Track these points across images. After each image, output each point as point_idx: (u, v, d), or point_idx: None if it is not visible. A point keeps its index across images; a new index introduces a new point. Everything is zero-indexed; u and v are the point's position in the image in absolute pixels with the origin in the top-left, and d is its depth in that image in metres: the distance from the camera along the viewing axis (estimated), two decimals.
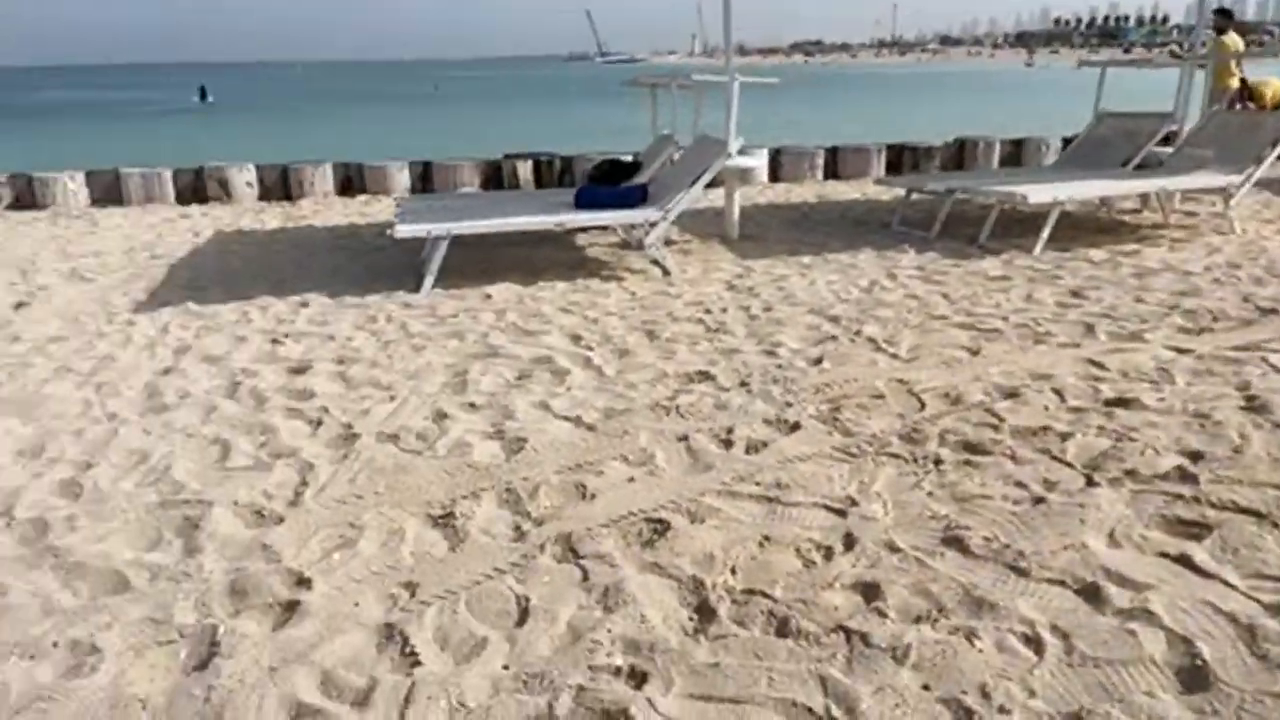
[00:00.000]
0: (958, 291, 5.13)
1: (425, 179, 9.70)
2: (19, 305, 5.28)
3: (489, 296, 5.29)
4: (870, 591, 2.26)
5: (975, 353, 4.06)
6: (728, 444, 3.17)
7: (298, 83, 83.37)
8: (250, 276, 5.91)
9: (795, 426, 3.29)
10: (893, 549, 2.45)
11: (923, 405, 3.46)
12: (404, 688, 1.97)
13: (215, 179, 9.19)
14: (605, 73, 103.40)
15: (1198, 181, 6.64)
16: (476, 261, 6.08)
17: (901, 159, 10.61)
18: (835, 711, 1.86)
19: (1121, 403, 3.41)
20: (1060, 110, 17.44)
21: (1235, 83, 9.05)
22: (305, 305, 5.18)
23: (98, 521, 2.74)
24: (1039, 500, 2.69)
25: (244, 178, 9.26)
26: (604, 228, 7.06)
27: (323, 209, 8.74)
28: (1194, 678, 1.93)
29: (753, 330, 4.50)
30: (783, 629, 2.13)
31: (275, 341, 4.51)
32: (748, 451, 3.11)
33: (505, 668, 2.04)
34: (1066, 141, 10.25)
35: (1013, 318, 4.58)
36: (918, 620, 2.14)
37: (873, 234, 6.90)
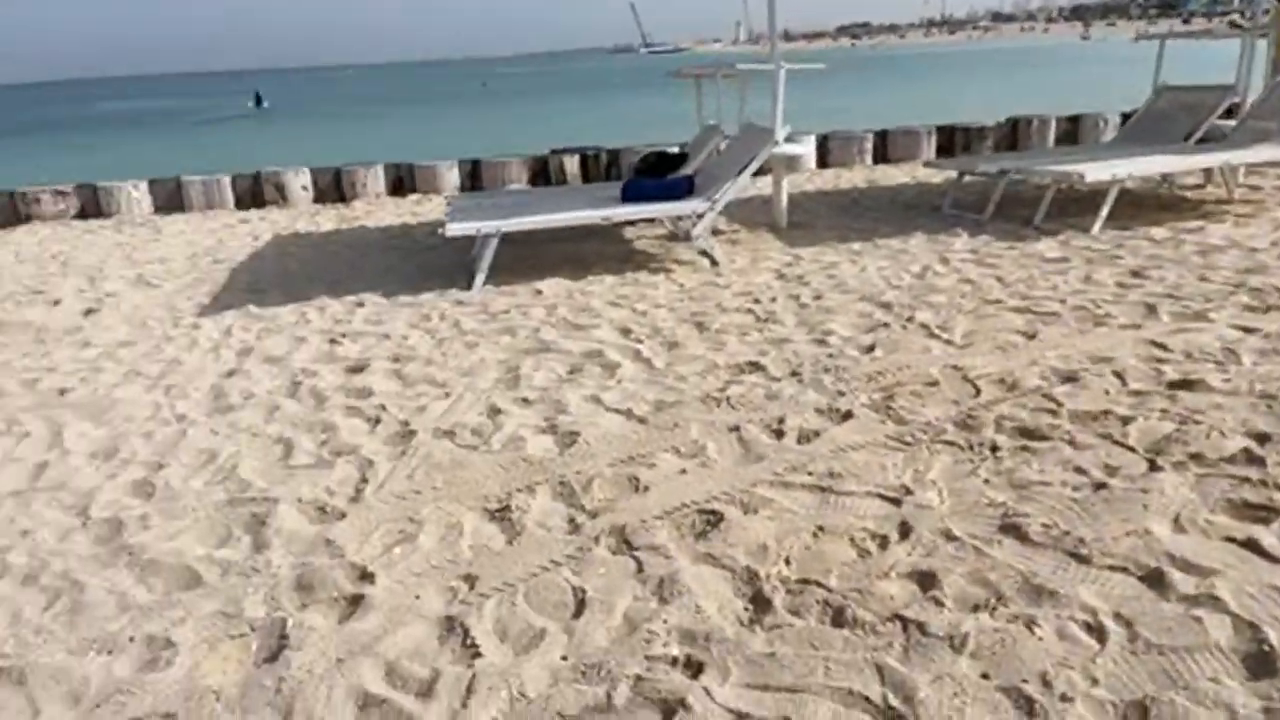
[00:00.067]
0: (1012, 274, 5.04)
1: (474, 177, 9.82)
2: (89, 312, 5.48)
3: (539, 292, 5.35)
4: (926, 580, 2.25)
5: (1031, 337, 3.98)
6: (779, 434, 3.17)
7: (349, 86, 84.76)
8: (307, 278, 6.05)
9: (848, 415, 3.27)
10: (949, 537, 2.43)
11: (978, 391, 3.41)
12: (466, 678, 2.02)
13: (272, 184, 9.41)
14: (650, 64, 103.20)
15: (1262, 155, 6.41)
16: (526, 258, 6.13)
17: (953, 141, 10.43)
18: (893, 700, 1.86)
19: (1185, 385, 3.32)
20: (1118, 85, 16.95)
21: None
22: (361, 305, 5.28)
23: (170, 520, 2.85)
24: (1100, 486, 2.64)
25: (299, 181, 9.47)
26: (651, 220, 7.09)
27: (375, 209, 8.90)
28: (1261, 664, 1.89)
29: (803, 319, 4.48)
30: (838, 618, 2.13)
31: (333, 341, 4.61)
32: (800, 441, 3.10)
33: (564, 658, 2.07)
34: (1125, 117, 9.98)
35: (1070, 300, 4.48)
36: (976, 609, 2.12)
37: (924, 218, 6.80)
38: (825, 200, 7.93)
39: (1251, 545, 2.29)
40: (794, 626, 2.12)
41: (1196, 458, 2.77)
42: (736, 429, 3.23)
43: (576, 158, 9.83)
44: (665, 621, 2.17)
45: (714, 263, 5.76)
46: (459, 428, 3.42)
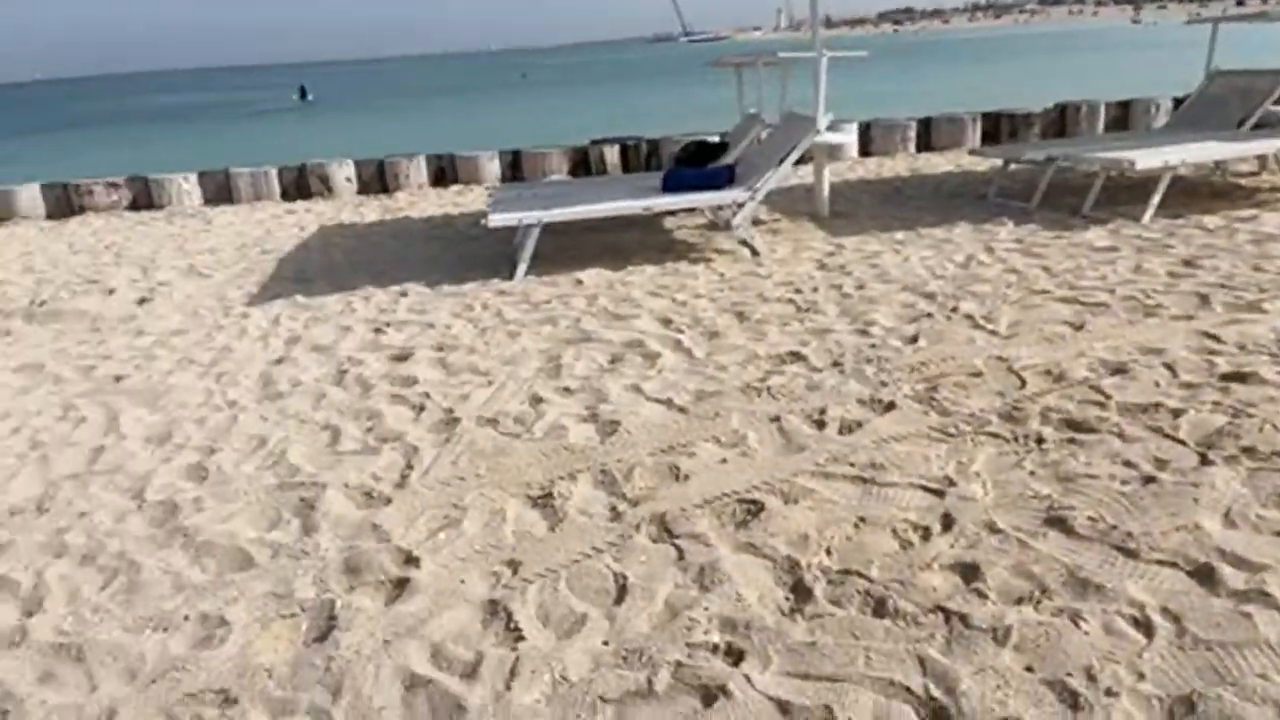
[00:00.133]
0: (1060, 264, 4.95)
1: (515, 167, 9.87)
2: (142, 301, 5.62)
3: (580, 282, 5.37)
4: (969, 572, 2.23)
5: (1079, 328, 3.92)
6: (821, 425, 3.16)
7: (392, 78, 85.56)
8: (353, 268, 6.14)
9: (890, 406, 3.25)
10: (993, 529, 2.41)
11: (1023, 383, 3.37)
12: (509, 661, 2.06)
13: (317, 175, 9.55)
14: (690, 52, 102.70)
15: None
16: (567, 248, 6.17)
17: (999, 128, 10.26)
18: (934, 691, 1.86)
19: (1238, 377, 3.25)
20: (1170, 69, 16.53)
21: None
22: (405, 295, 5.35)
23: (222, 503, 2.92)
24: (1149, 479, 2.60)
25: (343, 173, 9.60)
26: (692, 210, 7.07)
27: (418, 200, 8.99)
28: None
29: (845, 309, 4.45)
30: (880, 609, 2.13)
31: (378, 330, 4.68)
32: (841, 432, 3.09)
33: (605, 643, 2.10)
34: (1177, 103, 9.73)
35: (1120, 290, 4.40)
36: (1019, 601, 2.11)
37: (968, 207, 6.71)
38: (868, 189, 7.85)
39: None
40: (835, 616, 2.12)
41: (1249, 451, 2.71)
42: (777, 419, 3.23)
43: (617, 148, 9.84)
44: (706, 609, 2.18)
45: (755, 252, 5.74)
46: (502, 416, 3.46)
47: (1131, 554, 2.26)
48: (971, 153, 8.15)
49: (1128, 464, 2.70)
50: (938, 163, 9.16)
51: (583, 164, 9.85)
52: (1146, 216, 5.81)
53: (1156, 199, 5.88)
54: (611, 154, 9.83)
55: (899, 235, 5.95)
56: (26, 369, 4.46)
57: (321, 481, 3.01)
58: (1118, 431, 2.91)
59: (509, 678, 2.00)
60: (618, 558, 2.44)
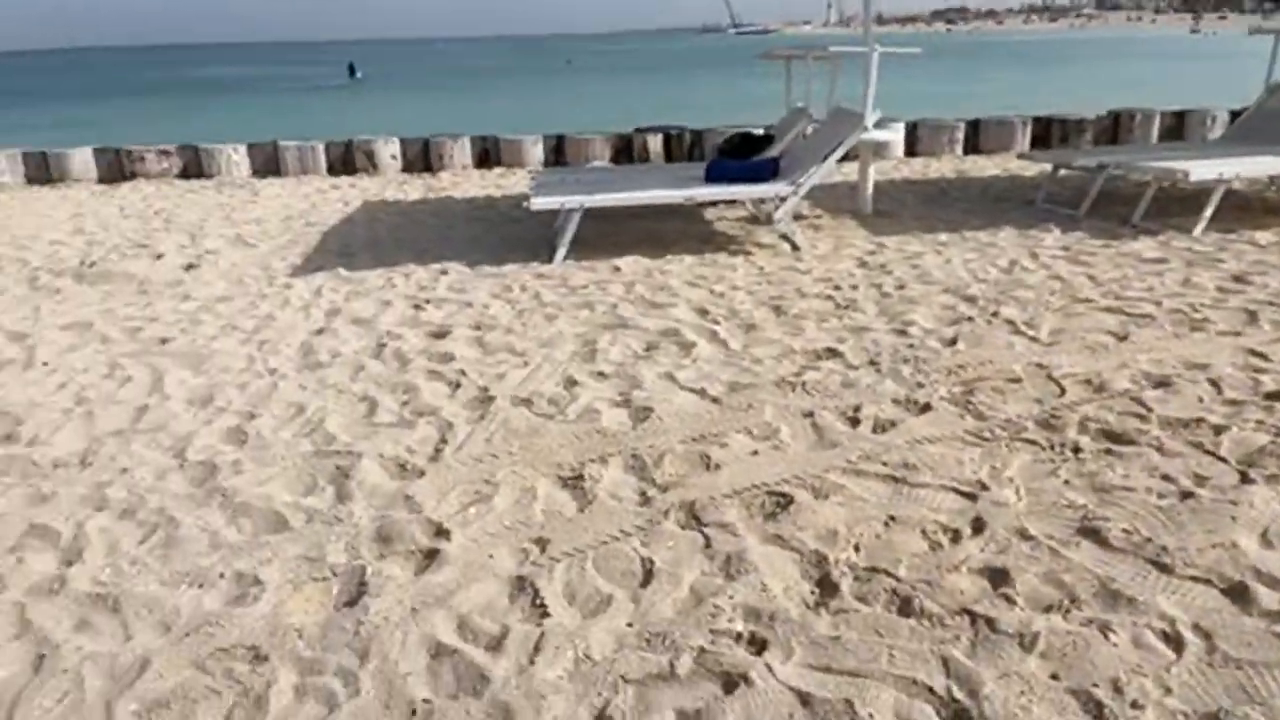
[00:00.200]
0: (1106, 273, 4.87)
1: (558, 152, 9.89)
2: (189, 267, 5.72)
3: (618, 269, 5.38)
4: (998, 577, 2.22)
5: (1123, 339, 3.86)
6: (854, 422, 3.15)
7: (439, 59, 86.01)
8: (395, 244, 6.20)
9: (926, 408, 3.23)
10: (1024, 536, 2.39)
11: (1063, 391, 3.33)
12: (534, 636, 2.08)
13: (363, 152, 9.64)
14: (738, 44, 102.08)
15: None
16: (606, 234, 6.18)
17: (1049, 132, 10.10)
18: (957, 693, 1.85)
19: None
20: (1228, 81, 16.14)
21: None
22: (445, 273, 5.40)
23: (260, 466, 2.98)
24: (1187, 495, 2.56)
25: (389, 151, 9.68)
26: (733, 202, 7.06)
27: (461, 181, 9.05)
28: None
29: (884, 308, 4.42)
30: (905, 608, 2.13)
31: (418, 307, 4.73)
32: (875, 431, 3.08)
33: (629, 625, 2.11)
34: (1234, 115, 9.51)
35: (1167, 303, 4.32)
36: (1048, 609, 2.09)
37: (1015, 211, 6.62)
38: (912, 189, 7.78)
39: None
40: (860, 612, 2.12)
41: None
42: (811, 415, 3.22)
43: (660, 137, 9.83)
44: (731, 597, 2.19)
45: (795, 247, 5.72)
46: (536, 396, 3.48)
47: (1165, 569, 2.23)
48: (1020, 156, 8.04)
49: (1166, 478, 2.66)
50: (985, 165, 9.04)
51: (625, 152, 9.85)
52: (1198, 229, 5.70)
53: (1209, 212, 5.77)
54: (655, 143, 9.82)
55: (942, 237, 5.89)
56: (75, 327, 4.56)
57: (357, 451, 3.05)
58: (1157, 445, 2.87)
59: (533, 652, 2.03)
60: (645, 542, 2.46)
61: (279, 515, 2.67)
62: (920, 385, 3.44)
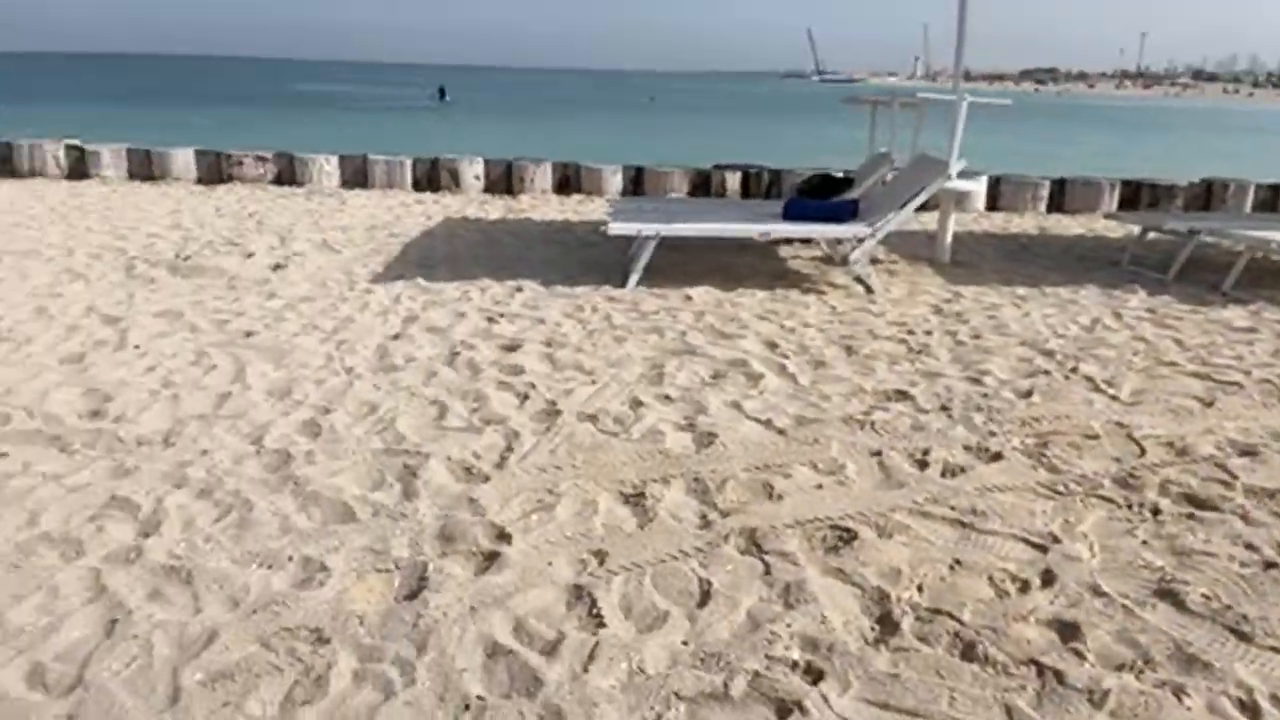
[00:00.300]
0: (1193, 339, 4.73)
1: (636, 183, 10.02)
2: (277, 267, 5.92)
3: (689, 298, 5.41)
4: (1068, 631, 2.15)
5: (1209, 404, 3.73)
6: (923, 465, 3.10)
7: (526, 88, 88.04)
8: (473, 260, 6.34)
9: (997, 456, 3.17)
10: (1097, 592, 2.32)
11: (1143, 451, 3.23)
12: (589, 645, 2.08)
13: (447, 170, 9.90)
14: (821, 91, 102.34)
15: None
16: (679, 264, 6.21)
17: (1138, 195, 9.88)
18: None
19: None
20: None
21: None
22: (520, 290, 5.49)
23: (332, 459, 3.06)
24: (1271, 565, 2.46)
25: (472, 170, 9.92)
26: (808, 241, 7.05)
27: (540, 204, 9.22)
28: None
29: (958, 356, 4.36)
30: (969, 653, 2.07)
31: (491, 320, 4.82)
32: (944, 475, 3.03)
33: (684, 643, 2.10)
34: None
35: (1256, 372, 4.17)
36: (1120, 668, 2.02)
37: (1098, 271, 6.48)
38: (992, 242, 7.67)
39: None
40: (921, 652, 2.08)
41: None
42: (878, 454, 3.18)
43: (739, 174, 9.88)
44: (789, 625, 2.17)
45: (869, 290, 5.68)
46: (602, 413, 3.51)
47: (1245, 637, 2.14)
48: (1107, 216, 7.89)
49: (1249, 547, 2.56)
50: (1068, 224, 8.88)
51: (703, 187, 9.93)
52: None
53: None
54: (733, 180, 9.87)
55: (1021, 290, 5.79)
56: (167, 315, 4.75)
57: (425, 452, 3.11)
58: (1241, 513, 2.76)
59: (587, 660, 2.03)
60: (704, 564, 2.45)
61: (347, 506, 2.73)
62: (992, 434, 3.37)
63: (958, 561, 2.46)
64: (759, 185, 9.87)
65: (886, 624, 2.19)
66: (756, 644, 2.10)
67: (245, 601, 2.25)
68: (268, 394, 3.66)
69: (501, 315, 4.92)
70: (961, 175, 5.91)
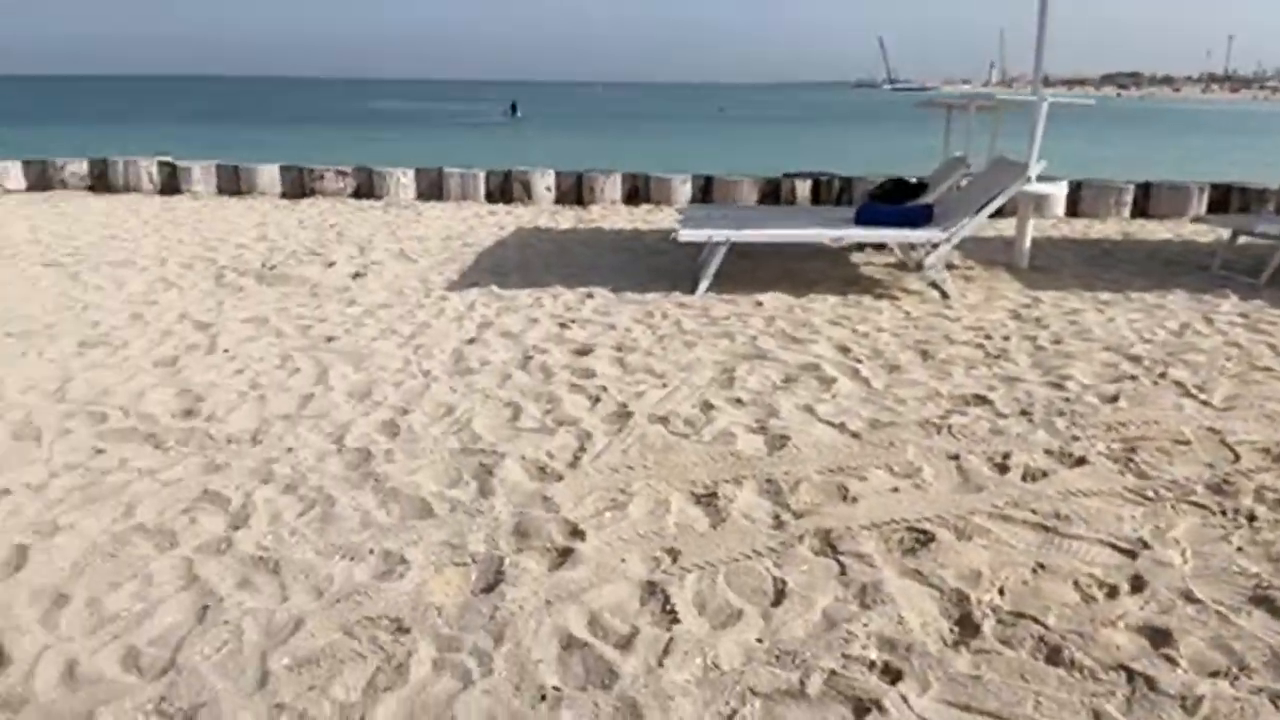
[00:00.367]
0: None
1: (705, 192, 10.01)
2: (356, 275, 6.10)
3: (760, 304, 5.39)
4: (1159, 637, 2.08)
5: None
6: (1002, 469, 3.03)
7: (596, 102, 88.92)
8: (544, 268, 6.42)
9: (1081, 461, 3.08)
10: (1189, 599, 2.23)
11: (1237, 457, 3.10)
12: (663, 640, 2.09)
13: (519, 182, 10.05)
14: (893, 99, 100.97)
15: None
16: (749, 271, 6.19)
17: (1228, 199, 9.49)
18: None
19: None
20: None
21: None
22: (591, 297, 5.54)
23: (410, 458, 3.13)
24: None
25: (544, 182, 10.06)
26: (880, 247, 6.96)
27: (610, 214, 9.29)
28: None
29: (1038, 360, 4.24)
30: (1054, 657, 2.02)
31: (563, 325, 4.88)
32: (1025, 479, 2.95)
33: (759, 640, 2.09)
34: None
35: None
36: (1214, 675, 1.94)
37: (1186, 276, 6.24)
38: (1072, 248, 7.45)
39: None
40: (1003, 655, 2.03)
41: None
42: (956, 457, 3.12)
43: (809, 182, 9.80)
44: (865, 625, 2.14)
45: (944, 295, 5.57)
46: (673, 416, 3.52)
47: None
48: (1195, 220, 7.61)
49: None
50: (1154, 229, 8.57)
51: (773, 195, 9.87)
52: None
53: None
54: (803, 187, 9.80)
55: (1104, 295, 5.61)
56: (253, 321, 4.93)
57: (500, 451, 3.16)
58: None
59: (662, 655, 2.04)
60: (778, 563, 2.43)
61: (425, 503, 2.79)
62: (1076, 439, 3.27)
63: (1041, 565, 2.40)
64: (830, 193, 9.78)
65: (966, 626, 2.14)
66: (832, 643, 2.07)
67: (329, 591, 2.32)
68: (348, 395, 3.77)
69: (573, 321, 4.97)
70: (1041, 178, 5.77)
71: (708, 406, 3.63)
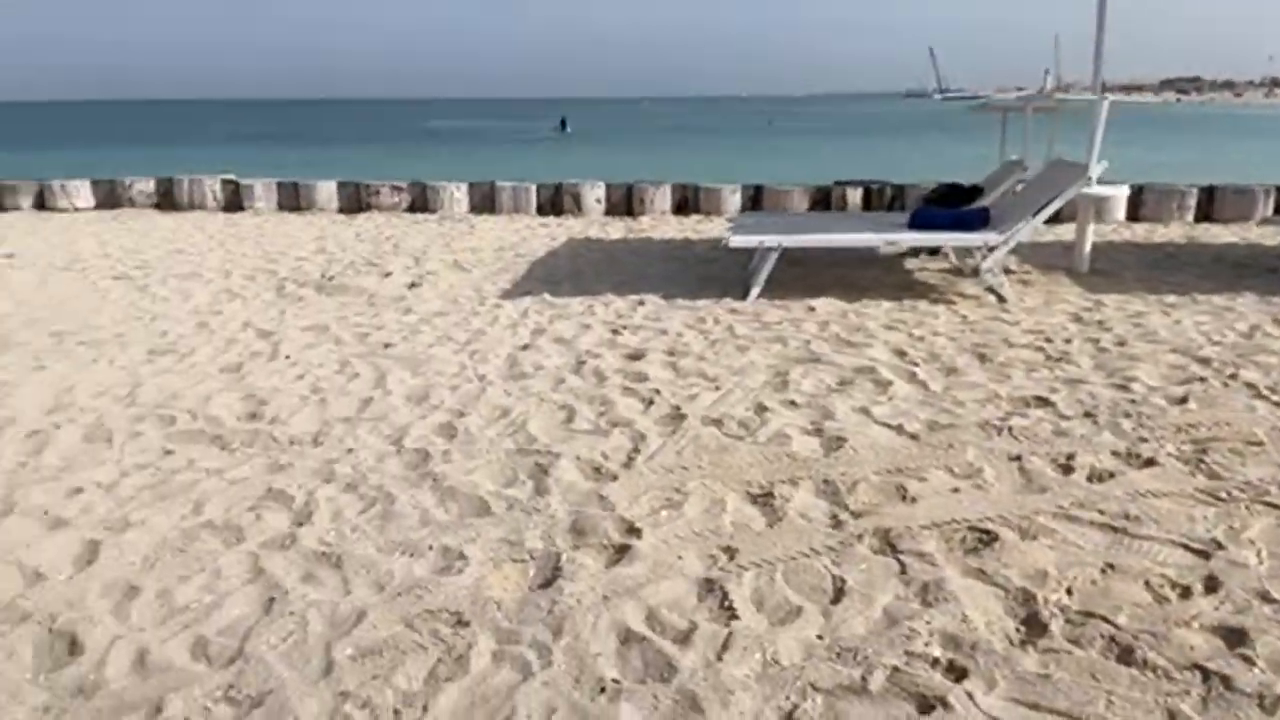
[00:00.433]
0: None
1: (755, 202, 9.99)
2: (412, 285, 6.20)
3: (812, 309, 5.35)
4: (1234, 637, 2.01)
5: None
6: (1067, 470, 2.96)
7: (644, 116, 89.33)
8: (596, 276, 6.46)
9: (1150, 462, 2.99)
10: (1266, 599, 2.16)
11: None
12: (721, 635, 2.08)
13: (570, 194, 10.14)
14: (945, 109, 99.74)
15: None
16: (800, 277, 6.16)
17: None
18: None
19: None
20: None
21: None
22: (642, 304, 5.56)
23: (467, 458, 3.16)
24: None
25: (594, 194, 10.14)
26: (935, 253, 6.87)
27: (659, 225, 9.32)
28: None
29: (1101, 363, 4.15)
30: (1126, 656, 1.96)
31: (615, 331, 4.90)
32: (1090, 480, 2.88)
33: (819, 637, 2.07)
34: None
35: None
36: None
37: (1256, 278, 6.05)
38: (1134, 252, 7.28)
39: None
40: (1073, 655, 1.98)
41: None
42: (1018, 458, 3.06)
43: (860, 190, 9.72)
44: (928, 623, 2.10)
45: (1002, 300, 5.47)
46: (726, 418, 3.51)
47: None
48: (1263, 223, 7.38)
49: None
50: (1220, 234, 8.33)
51: (824, 203, 9.80)
52: None
53: None
54: (854, 195, 9.72)
55: (1169, 298, 5.47)
56: (314, 329, 5.04)
57: (555, 452, 3.18)
58: None
59: (721, 649, 2.02)
60: (836, 562, 2.40)
61: (483, 501, 2.81)
62: (1144, 440, 3.19)
63: (1110, 565, 2.33)
64: (882, 200, 9.68)
65: (1034, 625, 2.09)
66: (894, 640, 2.04)
67: (390, 585, 2.35)
68: (406, 399, 3.83)
69: (625, 327, 4.99)
70: (1101, 181, 5.65)
71: (761, 409, 3.61)
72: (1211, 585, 2.23)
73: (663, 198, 10.08)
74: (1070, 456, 3.05)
